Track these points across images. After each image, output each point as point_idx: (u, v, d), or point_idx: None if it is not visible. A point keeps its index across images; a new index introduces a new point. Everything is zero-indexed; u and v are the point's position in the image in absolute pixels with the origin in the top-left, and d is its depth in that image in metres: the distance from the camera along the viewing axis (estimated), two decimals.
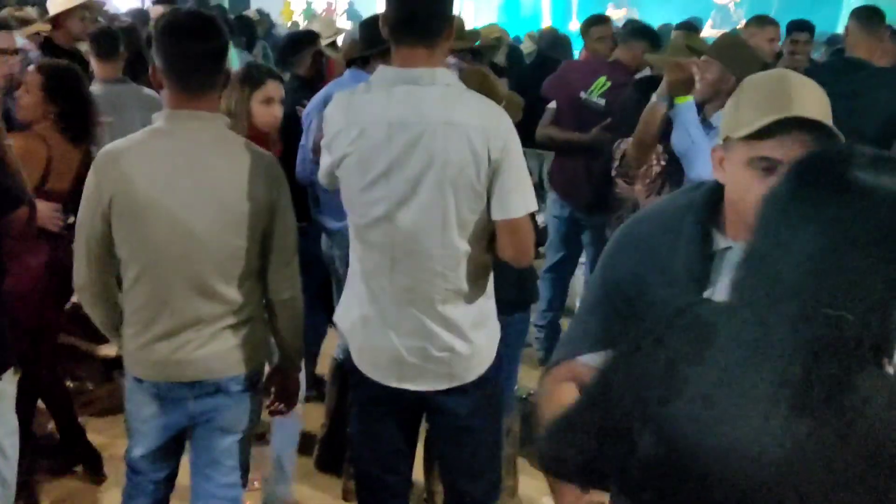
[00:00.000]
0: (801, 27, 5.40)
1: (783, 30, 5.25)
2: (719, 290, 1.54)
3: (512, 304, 2.77)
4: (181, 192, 2.20)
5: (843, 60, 4.42)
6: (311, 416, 3.65)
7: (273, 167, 2.34)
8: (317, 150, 3.17)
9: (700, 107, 3.05)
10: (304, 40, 4.55)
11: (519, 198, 2.17)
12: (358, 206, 2.23)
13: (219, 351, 2.32)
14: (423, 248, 2.19)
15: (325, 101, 3.33)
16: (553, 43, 7.22)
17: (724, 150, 1.62)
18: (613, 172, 3.45)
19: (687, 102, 3.06)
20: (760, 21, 4.88)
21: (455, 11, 2.29)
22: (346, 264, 3.36)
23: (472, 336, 2.29)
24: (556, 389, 1.67)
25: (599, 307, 1.73)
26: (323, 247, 3.50)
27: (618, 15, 12.80)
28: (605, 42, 4.83)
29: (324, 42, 4.77)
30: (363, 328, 2.32)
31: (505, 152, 2.14)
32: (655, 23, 6.60)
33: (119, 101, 3.98)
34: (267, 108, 3.08)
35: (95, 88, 3.86)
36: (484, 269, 2.31)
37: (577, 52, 6.51)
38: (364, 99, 2.19)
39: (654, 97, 3.12)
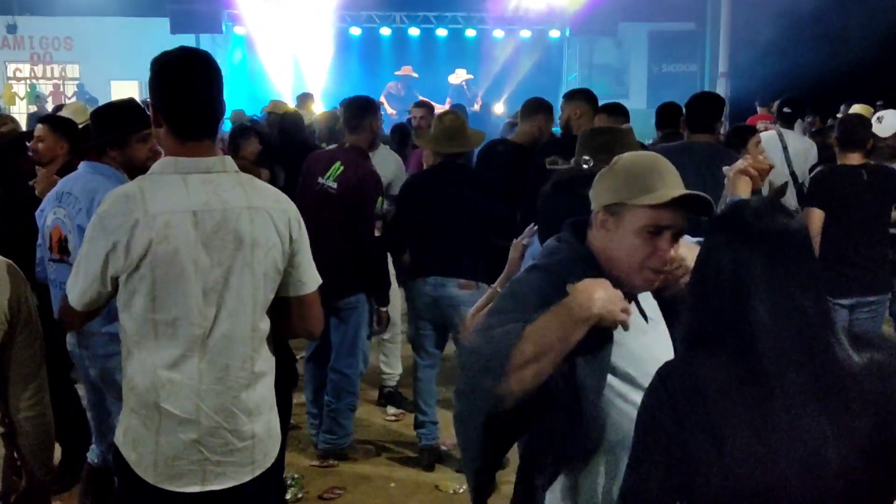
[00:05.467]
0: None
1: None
2: None
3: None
4: None
5: (571, 137, 4.85)
6: None
7: (12, 273, 2.17)
8: (63, 250, 3.01)
9: None
10: None
11: (312, 274, 2.30)
12: (162, 298, 2.10)
13: None
14: (236, 332, 2.15)
15: (59, 197, 3.18)
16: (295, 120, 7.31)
17: (607, 213, 1.89)
18: None
19: None
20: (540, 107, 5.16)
21: None
22: (98, 366, 3.19)
23: (268, 418, 2.27)
24: None
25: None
26: (69, 346, 3.28)
27: None
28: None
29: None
30: (153, 442, 2.14)
31: (301, 233, 2.26)
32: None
33: None
34: None
35: None
36: (270, 348, 2.30)
37: None
38: (157, 189, 2.12)
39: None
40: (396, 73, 14.67)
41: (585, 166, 2.73)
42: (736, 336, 1.48)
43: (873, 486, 1.42)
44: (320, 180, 4.41)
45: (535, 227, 2.84)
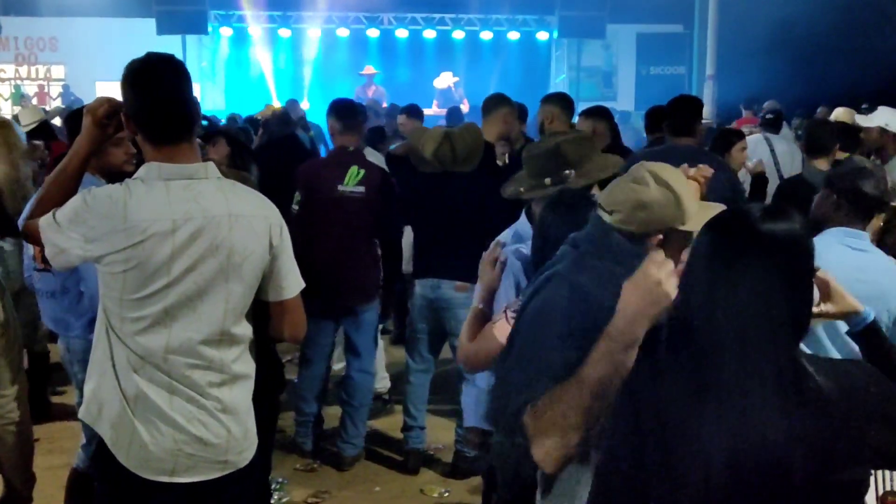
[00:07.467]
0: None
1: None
2: None
3: (258, 393, 2.73)
4: None
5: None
6: None
7: None
8: (46, 259, 3.01)
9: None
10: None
11: (293, 279, 2.32)
12: (133, 298, 2.13)
13: None
14: (204, 336, 2.17)
15: None
16: (283, 121, 7.35)
17: (664, 239, 1.94)
18: None
19: None
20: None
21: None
22: (84, 368, 3.18)
23: (245, 419, 2.29)
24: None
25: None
26: (60, 350, 3.27)
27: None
28: None
29: (26, 130, 4.53)
30: (129, 423, 2.17)
31: (282, 239, 2.28)
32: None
33: None
34: None
35: None
36: (252, 353, 2.32)
37: None
38: (141, 196, 2.12)
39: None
40: (360, 73, 14.54)
41: (571, 183, 2.73)
42: (700, 342, 1.45)
43: (829, 494, 1.41)
44: (340, 188, 4.42)
45: (505, 243, 2.84)
